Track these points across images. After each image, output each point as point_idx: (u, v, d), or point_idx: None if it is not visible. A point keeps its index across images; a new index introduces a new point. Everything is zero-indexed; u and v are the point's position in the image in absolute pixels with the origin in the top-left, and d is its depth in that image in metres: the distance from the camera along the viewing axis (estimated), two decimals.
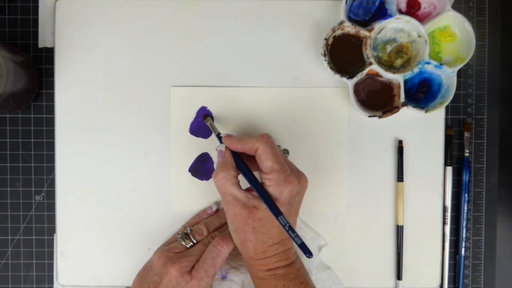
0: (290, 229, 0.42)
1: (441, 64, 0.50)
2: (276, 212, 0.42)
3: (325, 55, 0.50)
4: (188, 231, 0.49)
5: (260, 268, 0.45)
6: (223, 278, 0.51)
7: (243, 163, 0.46)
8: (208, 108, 0.53)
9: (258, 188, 0.44)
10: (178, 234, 0.50)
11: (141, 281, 0.48)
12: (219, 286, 0.50)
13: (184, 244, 0.49)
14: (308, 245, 0.52)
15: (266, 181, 0.44)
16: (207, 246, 0.48)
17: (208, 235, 0.50)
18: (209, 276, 0.46)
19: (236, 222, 0.44)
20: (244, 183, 0.45)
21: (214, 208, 0.52)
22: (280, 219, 0.42)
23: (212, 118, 0.52)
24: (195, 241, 0.49)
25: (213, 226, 0.51)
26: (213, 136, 0.50)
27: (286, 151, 0.53)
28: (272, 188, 0.43)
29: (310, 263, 0.52)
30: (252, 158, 0.46)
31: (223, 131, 0.52)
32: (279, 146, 0.52)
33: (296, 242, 0.42)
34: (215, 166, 0.46)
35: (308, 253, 0.42)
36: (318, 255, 0.52)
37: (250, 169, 0.46)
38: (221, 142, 0.47)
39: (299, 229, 0.52)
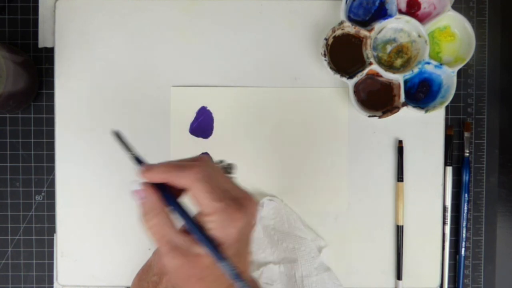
0: (236, 277, 0.35)
1: (441, 64, 0.50)
2: (220, 259, 0.35)
3: (325, 55, 0.50)
4: None
5: None
6: None
7: (174, 199, 0.37)
8: (208, 108, 0.53)
9: (197, 233, 0.35)
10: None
11: (141, 281, 0.48)
12: None
13: None
14: (308, 246, 0.52)
15: (208, 224, 0.35)
16: None
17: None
18: None
19: (179, 276, 0.36)
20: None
21: None
22: (223, 266, 0.35)
23: (212, 119, 0.52)
24: None
25: None
26: (214, 136, 0.51)
27: (229, 167, 0.46)
28: (216, 231, 0.35)
29: (310, 264, 0.52)
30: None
31: (223, 132, 0.52)
32: (220, 162, 0.46)
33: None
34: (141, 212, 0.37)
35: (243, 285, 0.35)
36: (319, 256, 0.52)
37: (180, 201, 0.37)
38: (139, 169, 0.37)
39: (299, 230, 0.52)
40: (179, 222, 0.36)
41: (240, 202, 0.36)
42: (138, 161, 0.37)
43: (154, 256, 0.48)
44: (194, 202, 0.36)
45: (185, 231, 0.36)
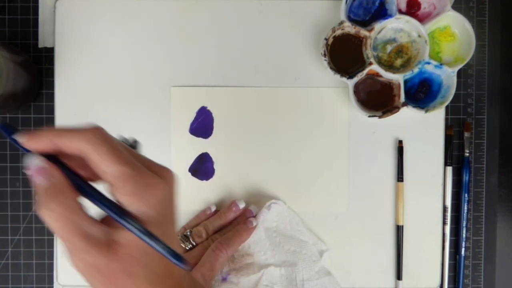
0: (176, 256, 0.28)
1: (441, 64, 0.50)
2: (148, 236, 0.28)
3: (325, 55, 0.50)
4: (188, 233, 0.49)
5: None
6: (224, 279, 0.50)
7: (77, 175, 0.29)
8: (208, 108, 0.53)
9: (114, 211, 0.28)
10: (178, 236, 0.49)
11: None
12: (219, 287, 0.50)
13: (183, 246, 0.48)
14: (309, 249, 0.52)
15: (119, 196, 0.28)
16: (206, 248, 0.47)
17: (208, 238, 0.49)
18: (207, 280, 0.45)
19: (100, 276, 0.28)
20: None
21: (213, 209, 0.52)
22: (154, 246, 0.28)
23: (212, 119, 0.52)
24: (194, 244, 0.48)
25: (212, 228, 0.50)
26: (213, 136, 0.50)
27: (134, 143, 0.39)
28: (133, 205, 0.28)
29: (311, 268, 0.51)
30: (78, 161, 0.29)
31: (223, 132, 0.52)
32: (125, 139, 0.39)
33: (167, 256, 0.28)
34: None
35: (182, 262, 0.28)
36: (320, 260, 0.52)
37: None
38: (13, 141, 0.28)
39: (300, 233, 0.52)
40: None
41: (155, 170, 0.30)
42: (11, 130, 0.28)
43: None
44: (92, 166, 0.28)
45: (96, 221, 0.29)
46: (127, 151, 0.29)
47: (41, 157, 0.28)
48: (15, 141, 0.28)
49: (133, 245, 0.28)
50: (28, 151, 0.28)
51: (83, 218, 0.28)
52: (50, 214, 0.27)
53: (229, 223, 0.51)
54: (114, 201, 0.29)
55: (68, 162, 0.29)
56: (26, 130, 0.53)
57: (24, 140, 0.28)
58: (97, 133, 0.28)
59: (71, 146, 0.28)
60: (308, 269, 0.50)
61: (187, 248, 0.48)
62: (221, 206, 0.53)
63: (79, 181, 0.29)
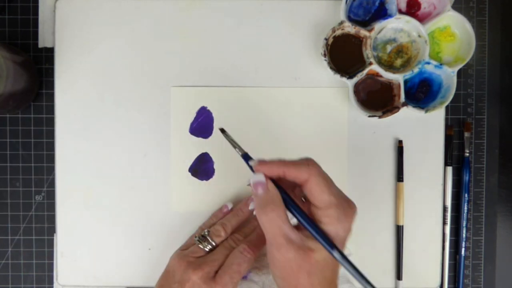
0: (351, 265, 0.39)
1: (441, 64, 0.50)
2: (331, 247, 0.38)
3: (325, 55, 0.50)
4: (206, 233, 0.47)
5: None
6: (244, 277, 0.50)
7: (289, 196, 0.40)
8: (208, 108, 0.53)
9: (312, 227, 0.38)
10: (195, 237, 0.48)
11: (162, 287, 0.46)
12: (240, 286, 0.49)
13: (202, 247, 0.47)
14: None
15: (323, 218, 0.38)
16: (228, 249, 0.46)
17: (227, 237, 0.47)
18: (234, 282, 0.44)
19: (288, 268, 0.38)
20: None
21: (230, 207, 0.51)
22: (342, 261, 0.39)
23: (212, 119, 0.52)
24: (214, 244, 0.47)
25: (230, 225, 0.48)
26: (214, 136, 0.50)
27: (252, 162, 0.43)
28: (332, 226, 0.38)
29: None
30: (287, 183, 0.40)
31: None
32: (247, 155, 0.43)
33: (356, 278, 0.39)
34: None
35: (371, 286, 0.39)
36: (341, 267, 0.52)
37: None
38: (248, 165, 0.41)
39: None
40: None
41: (348, 201, 0.39)
42: (246, 156, 0.41)
43: (173, 261, 0.46)
44: (309, 196, 0.38)
45: (297, 227, 0.39)
46: (333, 183, 0.39)
47: (262, 175, 0.39)
48: (250, 167, 0.40)
49: (321, 254, 0.38)
50: (250, 166, 0.40)
51: (287, 224, 0.38)
52: (265, 217, 0.38)
53: (246, 220, 0.50)
54: (309, 217, 0.39)
55: (282, 184, 0.40)
56: (26, 130, 0.53)
57: (259, 165, 0.40)
58: (317, 168, 0.39)
59: (299, 177, 0.38)
60: None
61: (207, 249, 0.47)
62: (241, 206, 0.51)
63: (288, 198, 0.39)
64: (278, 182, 0.40)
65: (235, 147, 0.42)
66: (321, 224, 0.38)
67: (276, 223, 0.38)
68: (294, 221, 0.39)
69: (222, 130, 0.44)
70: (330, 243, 0.38)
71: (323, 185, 0.38)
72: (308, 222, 0.38)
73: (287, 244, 0.38)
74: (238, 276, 0.44)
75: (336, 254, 0.38)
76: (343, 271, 0.52)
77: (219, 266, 0.45)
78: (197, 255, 0.46)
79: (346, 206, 0.38)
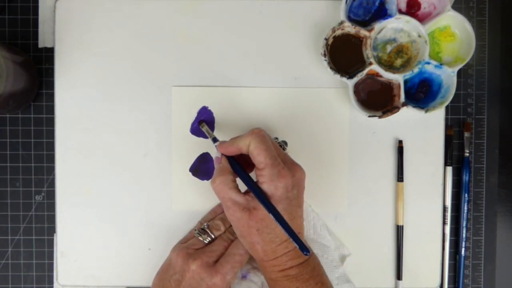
0: (282, 224, 0.41)
1: (441, 64, 0.50)
2: (269, 208, 0.42)
3: (325, 55, 0.50)
4: (205, 226, 0.49)
5: (272, 270, 0.44)
6: (243, 277, 0.50)
7: (238, 164, 0.45)
8: (209, 108, 0.53)
9: (251, 187, 0.43)
10: (195, 230, 0.49)
11: (162, 280, 0.47)
12: (239, 285, 0.50)
13: (201, 239, 0.48)
14: (331, 254, 0.51)
15: (260, 177, 0.43)
16: (227, 241, 0.48)
17: (225, 230, 0.49)
18: (234, 272, 0.46)
19: (240, 227, 0.44)
20: (243, 187, 0.45)
21: None
22: (272, 215, 0.41)
23: (213, 119, 0.52)
24: (213, 236, 0.48)
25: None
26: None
27: (284, 143, 0.52)
28: (266, 184, 0.43)
29: (332, 273, 0.51)
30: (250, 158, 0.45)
31: (224, 132, 0.52)
32: (276, 138, 0.52)
33: (290, 237, 0.41)
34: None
35: (305, 250, 0.41)
36: (341, 266, 0.52)
37: (249, 170, 0.45)
38: (216, 147, 0.47)
39: (323, 238, 0.52)
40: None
41: (289, 166, 0.44)
42: (215, 140, 0.48)
43: (172, 253, 0.48)
44: (252, 159, 0.43)
45: (245, 193, 0.44)
46: (274, 149, 0.44)
47: (220, 153, 0.46)
48: (216, 147, 0.46)
49: (264, 213, 0.42)
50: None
51: (233, 189, 0.43)
52: (213, 184, 0.44)
53: None
54: (255, 182, 0.44)
55: (238, 158, 0.45)
56: (26, 130, 0.53)
57: (219, 146, 0.46)
58: (258, 134, 0.43)
59: (245, 146, 0.43)
60: (329, 274, 0.49)
61: (206, 241, 0.48)
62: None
63: (236, 167, 0.45)
64: (236, 158, 0.45)
65: (210, 136, 0.49)
66: (259, 184, 0.43)
67: (223, 188, 0.43)
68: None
69: (200, 122, 0.51)
70: (264, 199, 0.42)
71: (260, 148, 0.43)
72: (249, 183, 0.43)
73: (233, 205, 0.43)
74: (239, 265, 0.46)
75: (267, 208, 0.42)
76: (343, 271, 0.52)
77: (218, 256, 0.46)
78: (196, 247, 0.47)
79: (281, 168, 0.42)
